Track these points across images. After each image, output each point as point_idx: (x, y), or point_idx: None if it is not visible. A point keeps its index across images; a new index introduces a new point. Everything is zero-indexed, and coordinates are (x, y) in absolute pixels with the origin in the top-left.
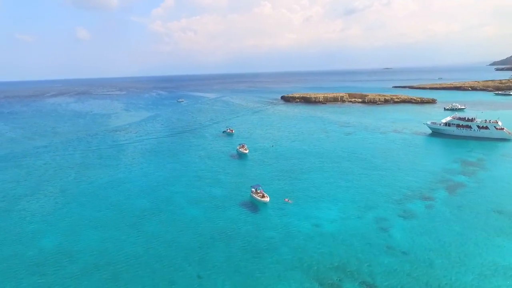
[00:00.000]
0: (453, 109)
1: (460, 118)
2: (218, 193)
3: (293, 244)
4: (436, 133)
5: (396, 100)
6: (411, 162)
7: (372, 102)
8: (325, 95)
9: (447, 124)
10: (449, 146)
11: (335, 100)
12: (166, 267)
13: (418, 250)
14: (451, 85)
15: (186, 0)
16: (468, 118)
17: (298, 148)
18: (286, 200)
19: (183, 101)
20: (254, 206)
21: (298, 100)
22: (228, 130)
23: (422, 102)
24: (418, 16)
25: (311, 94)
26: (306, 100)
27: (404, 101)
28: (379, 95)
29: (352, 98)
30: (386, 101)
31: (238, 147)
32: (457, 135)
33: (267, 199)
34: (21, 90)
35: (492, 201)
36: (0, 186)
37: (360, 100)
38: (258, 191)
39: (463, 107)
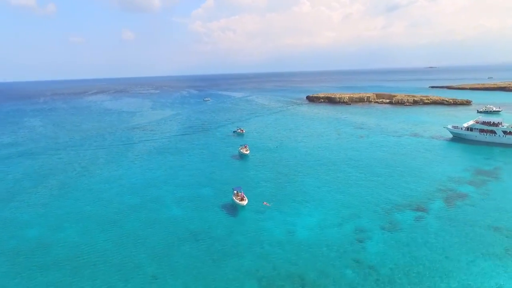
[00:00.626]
0: (487, 112)
1: (484, 123)
2: (205, 193)
3: (260, 250)
4: (457, 138)
5: (426, 101)
6: (417, 168)
7: (400, 103)
8: (351, 95)
9: (469, 128)
10: (466, 152)
11: (360, 100)
12: (127, 264)
13: (387, 266)
14: (495, 85)
15: (225, 1)
16: (493, 122)
17: (302, 150)
18: (265, 203)
19: (209, 100)
20: (234, 208)
21: (322, 100)
22: (239, 130)
23: (455, 103)
24: (468, 11)
25: (336, 94)
26: (331, 100)
27: (434, 103)
28: (409, 95)
29: (379, 99)
30: (415, 102)
31: (239, 148)
32: (480, 141)
33: (244, 202)
34: (69, 88)
35: (492, 216)
36: (11, 177)
37: (387, 101)
38: (239, 193)
39: (498, 109)
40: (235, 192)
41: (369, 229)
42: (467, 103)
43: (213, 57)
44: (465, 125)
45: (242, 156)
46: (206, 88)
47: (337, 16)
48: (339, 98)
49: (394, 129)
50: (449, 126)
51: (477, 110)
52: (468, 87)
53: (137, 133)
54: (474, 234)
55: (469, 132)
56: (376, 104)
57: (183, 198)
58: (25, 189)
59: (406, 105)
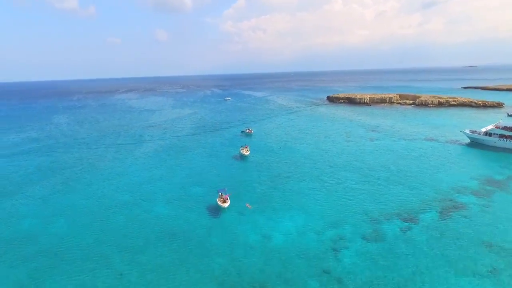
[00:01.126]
0: None
1: (505, 128)
2: (195, 193)
3: (230, 254)
4: (474, 144)
5: (452, 103)
6: (421, 175)
7: (424, 104)
8: (372, 96)
9: (488, 133)
10: (481, 159)
11: (382, 101)
12: (100, 259)
13: (357, 279)
14: None
15: (256, 0)
16: None
17: (303, 152)
18: (247, 205)
19: (229, 99)
20: (217, 210)
21: (342, 101)
22: (247, 131)
23: (485, 106)
24: None
25: (357, 95)
26: (351, 101)
27: (462, 105)
28: (434, 96)
29: (402, 100)
30: (440, 104)
31: (240, 149)
32: (500, 147)
33: (225, 204)
34: (103, 86)
35: (486, 231)
36: (23, 171)
37: (410, 102)
38: (223, 195)
39: None
40: (220, 193)
41: (349, 238)
42: (498, 105)
43: (243, 56)
44: (483, 129)
45: (242, 157)
46: (230, 87)
47: (369, 13)
48: (359, 98)
49: (408, 132)
50: (466, 131)
51: (507, 114)
52: (505, 88)
53: (149, 132)
54: (461, 250)
55: (487, 137)
56: (399, 105)
57: (172, 197)
58: (32, 182)
59: (430, 106)
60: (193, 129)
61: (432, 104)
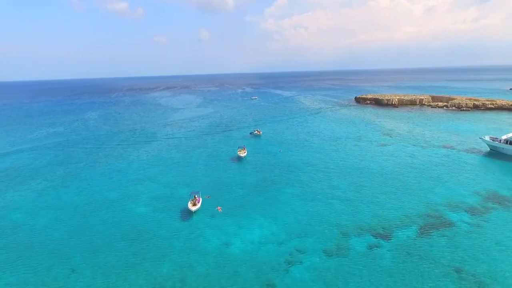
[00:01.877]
0: None
1: None
2: (178, 194)
3: (182, 259)
4: (494, 153)
5: (489, 106)
6: (417, 186)
7: (456, 107)
8: (401, 97)
9: (509, 141)
10: (493, 170)
11: (412, 103)
12: (60, 254)
13: None
14: None
15: None
16: None
17: (304, 156)
18: (218, 208)
19: (256, 98)
20: (190, 212)
21: (369, 102)
22: (256, 132)
23: None
24: None
25: (385, 96)
26: (378, 102)
27: (501, 108)
28: (470, 99)
29: (434, 102)
30: (475, 107)
31: (237, 150)
32: None
33: (194, 208)
34: (144, 84)
35: (463, 256)
36: (36, 164)
37: (442, 104)
38: (197, 197)
39: None
40: (194, 196)
41: (309, 251)
42: None
43: (283, 54)
44: (504, 137)
45: (239, 159)
46: (262, 86)
47: (419, 9)
48: (387, 100)
49: (426, 138)
50: (486, 137)
51: None
52: None
53: (163, 130)
54: (422, 275)
55: (507, 146)
56: (429, 108)
57: (155, 197)
58: (37, 175)
59: (463, 110)
60: (206, 128)
61: (466, 107)
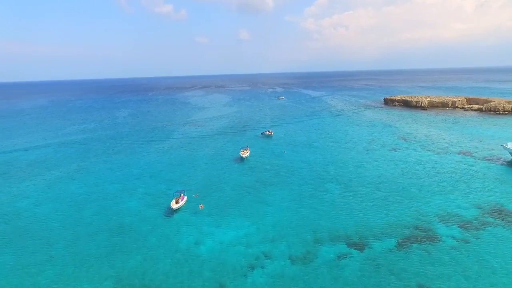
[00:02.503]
0: None
1: None
2: (171, 191)
3: (151, 254)
4: None
5: None
6: (414, 195)
7: (492, 110)
8: (432, 98)
9: None
10: (507, 181)
11: (443, 105)
12: (46, 243)
13: None
14: None
15: None
16: None
17: (308, 158)
18: (200, 206)
19: (282, 98)
20: (172, 209)
21: (397, 104)
22: (267, 132)
23: None
24: None
25: (414, 97)
26: (406, 104)
27: None
28: (509, 101)
29: (470, 104)
30: None
31: (240, 150)
32: None
33: (174, 206)
34: (181, 83)
35: (434, 273)
36: (57, 157)
37: (476, 107)
38: (182, 196)
39: None
40: (180, 194)
41: (275, 256)
42: None
43: (323, 54)
44: None
45: (241, 159)
46: (292, 86)
47: (469, 5)
48: (415, 101)
49: (443, 143)
50: (509, 145)
51: None
52: None
53: (182, 129)
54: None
55: None
56: (461, 110)
57: (149, 193)
58: (53, 167)
59: (500, 113)
60: (221, 128)
61: (503, 110)
